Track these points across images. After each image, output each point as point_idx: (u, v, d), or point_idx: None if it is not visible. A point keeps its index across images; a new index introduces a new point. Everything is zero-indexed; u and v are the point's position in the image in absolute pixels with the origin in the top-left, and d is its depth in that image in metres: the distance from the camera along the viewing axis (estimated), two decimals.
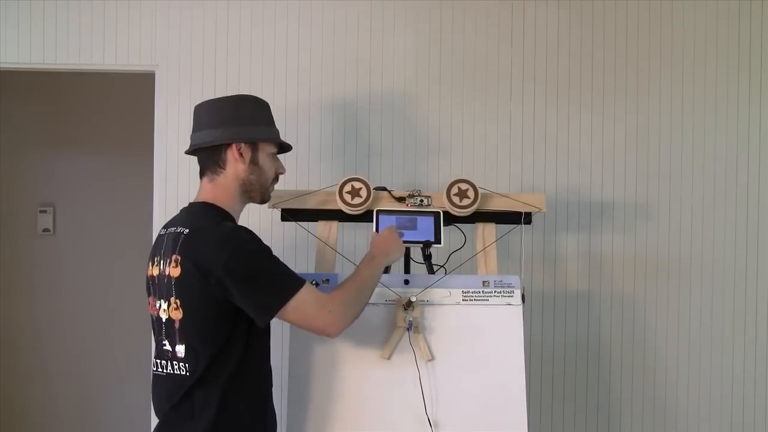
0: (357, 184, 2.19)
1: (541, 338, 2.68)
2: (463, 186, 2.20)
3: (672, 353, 2.72)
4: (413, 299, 2.03)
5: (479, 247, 2.21)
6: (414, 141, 2.68)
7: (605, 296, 2.70)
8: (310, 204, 2.22)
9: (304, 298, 1.75)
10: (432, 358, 2.02)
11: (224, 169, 1.89)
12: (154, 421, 1.88)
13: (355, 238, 2.59)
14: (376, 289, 2.05)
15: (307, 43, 2.67)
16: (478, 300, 2.09)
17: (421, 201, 2.21)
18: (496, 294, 2.10)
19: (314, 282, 2.06)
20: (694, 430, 2.72)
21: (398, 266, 2.25)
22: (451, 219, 2.23)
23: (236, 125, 1.89)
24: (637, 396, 2.71)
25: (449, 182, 2.21)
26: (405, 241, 2.16)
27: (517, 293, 2.10)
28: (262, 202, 1.98)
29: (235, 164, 1.88)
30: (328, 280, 2.07)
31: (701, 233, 2.73)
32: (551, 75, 2.71)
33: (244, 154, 1.88)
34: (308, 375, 2.01)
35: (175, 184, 2.62)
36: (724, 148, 2.74)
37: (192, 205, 1.92)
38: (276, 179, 1.99)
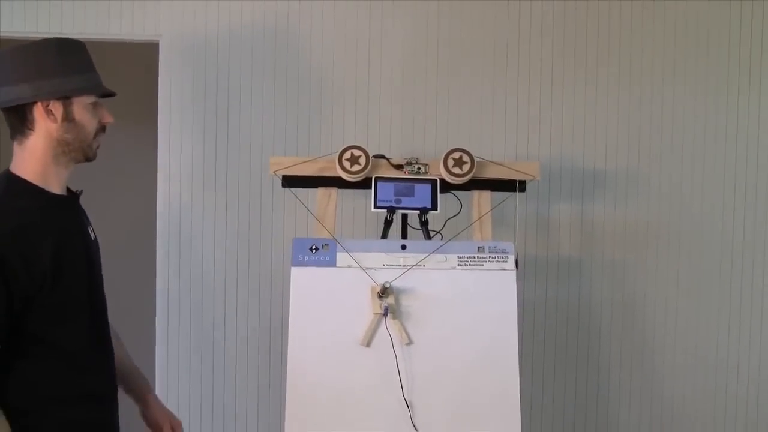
0: (356, 152, 2.24)
1: (533, 302, 2.75)
2: (460, 155, 2.26)
3: (660, 318, 2.79)
4: (387, 285, 2.04)
5: (475, 214, 2.27)
6: (412, 110, 2.73)
7: (596, 263, 2.77)
8: (311, 171, 2.27)
9: None
10: (410, 342, 2.05)
11: (33, 131, 1.61)
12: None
13: (354, 205, 2.65)
14: (375, 254, 2.10)
15: (307, 13, 2.70)
16: (473, 265, 2.15)
17: (419, 169, 2.26)
18: (490, 259, 2.16)
19: (313, 247, 2.13)
20: (680, 391, 2.80)
21: (396, 232, 2.31)
22: (447, 186, 2.28)
23: (41, 78, 1.60)
24: (626, 359, 2.78)
25: (446, 151, 2.27)
26: (402, 208, 2.23)
27: (511, 259, 2.16)
28: (88, 160, 1.71)
29: (45, 124, 1.61)
30: (327, 245, 2.13)
31: (690, 202, 2.79)
32: (546, 46, 2.75)
33: (54, 112, 1.61)
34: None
35: (178, 155, 2.66)
36: (714, 119, 2.78)
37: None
38: (103, 130, 1.72)
